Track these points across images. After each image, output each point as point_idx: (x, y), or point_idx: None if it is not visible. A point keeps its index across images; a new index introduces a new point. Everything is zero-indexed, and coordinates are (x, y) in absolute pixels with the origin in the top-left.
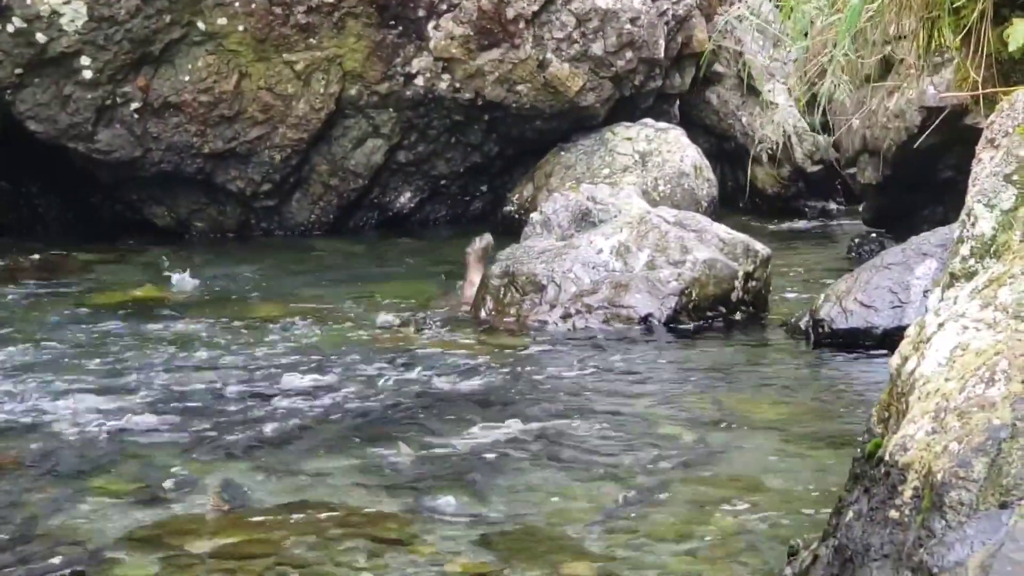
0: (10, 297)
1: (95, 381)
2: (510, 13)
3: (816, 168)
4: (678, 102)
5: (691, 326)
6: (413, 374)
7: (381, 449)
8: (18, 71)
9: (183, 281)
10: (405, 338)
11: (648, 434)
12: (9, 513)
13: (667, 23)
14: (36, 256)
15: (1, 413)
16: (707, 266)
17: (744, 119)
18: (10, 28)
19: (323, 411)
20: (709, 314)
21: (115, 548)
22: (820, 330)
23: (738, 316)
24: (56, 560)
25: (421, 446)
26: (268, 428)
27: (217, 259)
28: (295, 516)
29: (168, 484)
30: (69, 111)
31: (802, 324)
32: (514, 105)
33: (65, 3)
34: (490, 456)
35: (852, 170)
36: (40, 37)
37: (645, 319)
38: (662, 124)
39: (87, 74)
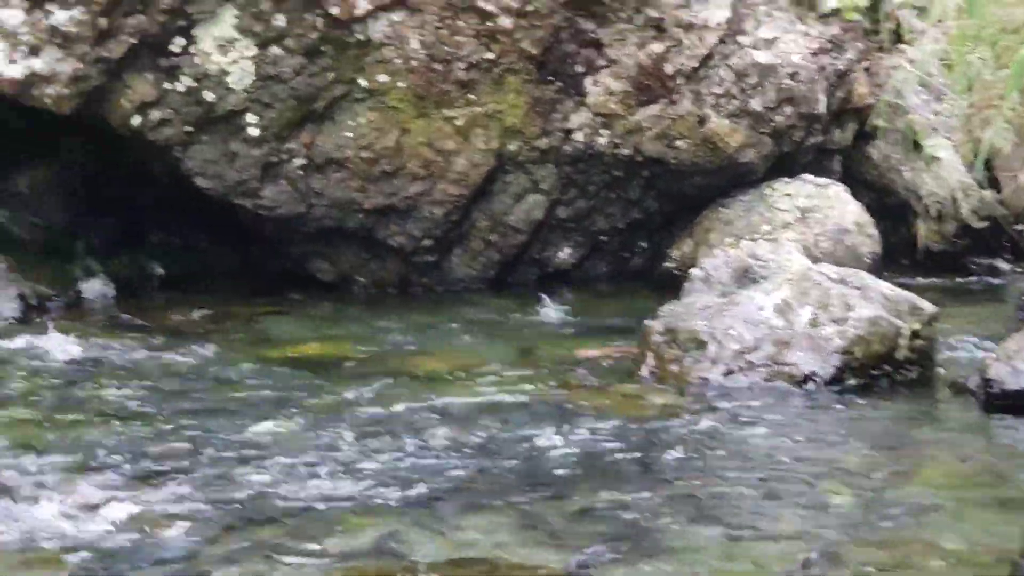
0: (181, 350)
1: (259, 433)
2: (669, 69)
3: (983, 224)
4: (839, 157)
5: (855, 385)
6: (573, 430)
7: (541, 506)
8: (187, 129)
9: None
10: (566, 394)
11: (813, 495)
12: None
13: (827, 78)
14: (205, 310)
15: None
16: (871, 324)
17: (907, 174)
18: (180, 87)
19: (482, 467)
20: (873, 373)
21: None
22: (990, 390)
23: (903, 375)
24: None
25: (583, 503)
26: (428, 484)
27: (380, 314)
28: (458, 572)
29: (334, 541)
30: (236, 168)
31: (971, 384)
32: (673, 161)
33: (233, 62)
34: (651, 514)
35: (1021, 227)
36: (208, 96)
37: (808, 377)
38: (823, 180)
39: (253, 132)
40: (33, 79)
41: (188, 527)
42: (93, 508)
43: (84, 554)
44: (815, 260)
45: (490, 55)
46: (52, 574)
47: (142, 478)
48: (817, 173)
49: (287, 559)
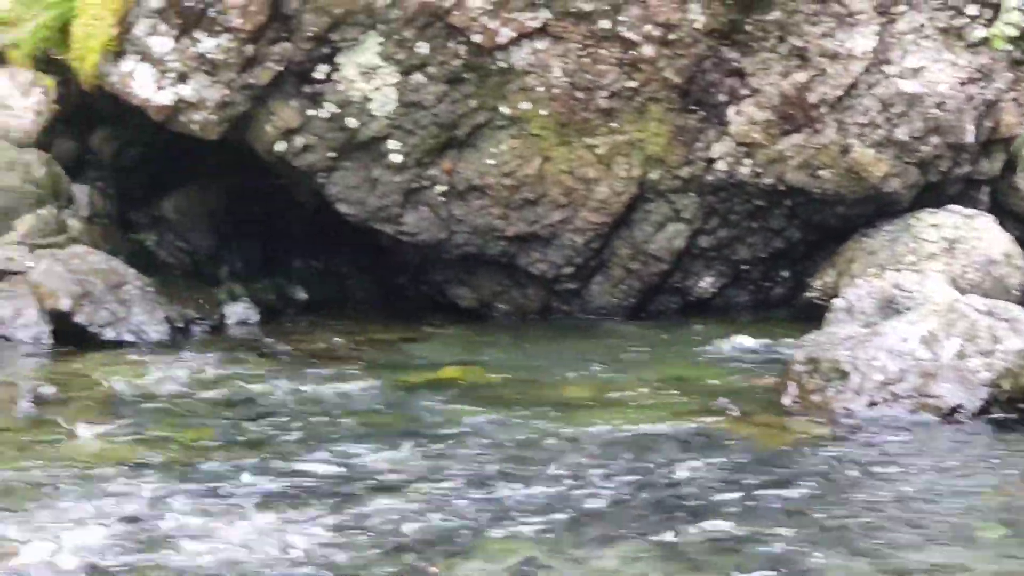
0: (322, 375)
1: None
2: (812, 98)
3: None
4: (987, 188)
5: (1002, 418)
6: (714, 459)
7: (682, 537)
8: (330, 155)
9: None
10: (707, 422)
11: (961, 529)
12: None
13: (975, 107)
14: (346, 335)
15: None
16: (1020, 356)
17: None
18: (323, 113)
19: (621, 495)
20: (1021, 406)
21: None
22: None
23: None
24: None
25: (724, 534)
26: (567, 511)
27: (520, 341)
28: None
29: (474, 566)
30: (378, 194)
31: None
32: (816, 190)
33: (376, 89)
34: (795, 547)
35: None
36: (351, 122)
37: (954, 410)
38: (970, 210)
39: (395, 158)
40: (181, 105)
41: (332, 553)
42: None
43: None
44: (962, 291)
45: (632, 83)
46: None
47: (286, 502)
48: (964, 204)
49: None
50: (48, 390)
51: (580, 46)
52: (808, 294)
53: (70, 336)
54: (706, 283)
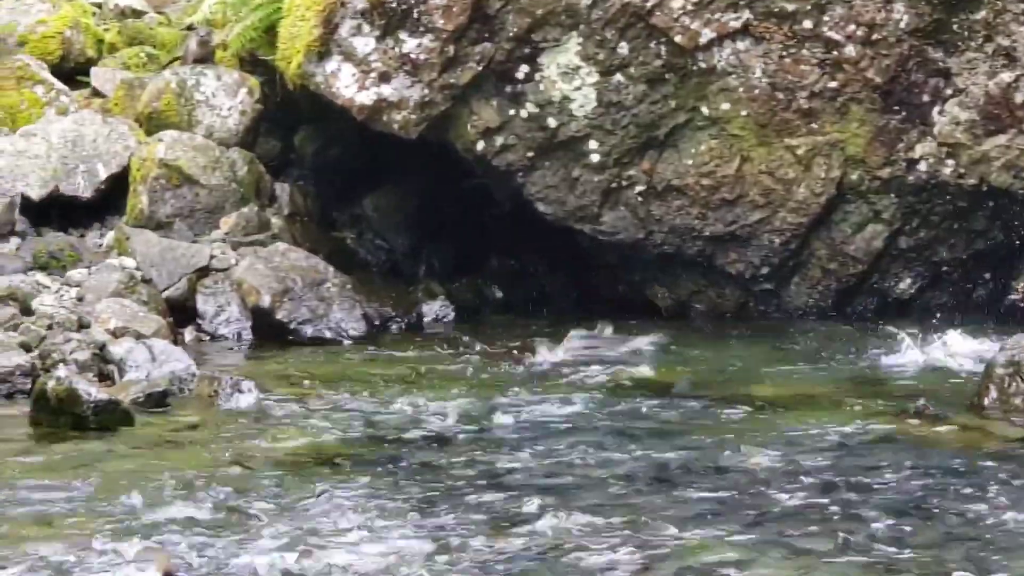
0: (503, 376)
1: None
2: (1019, 98)
3: None
4: None
5: None
6: (911, 460)
7: (880, 537)
8: (530, 154)
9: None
10: (903, 424)
11: None
12: None
13: None
14: (541, 333)
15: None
16: None
17: None
18: (523, 113)
19: (814, 496)
20: None
21: None
22: None
23: None
24: None
25: (924, 535)
26: (758, 511)
27: (715, 344)
28: None
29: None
30: (577, 193)
31: None
32: (1020, 192)
33: (576, 89)
34: (985, 552)
35: None
36: (551, 122)
37: None
38: None
39: (595, 158)
40: (382, 105)
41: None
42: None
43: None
44: None
45: (834, 84)
46: None
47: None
48: None
49: None
50: (250, 387)
51: (781, 46)
52: (1011, 296)
53: (270, 332)
54: (905, 284)
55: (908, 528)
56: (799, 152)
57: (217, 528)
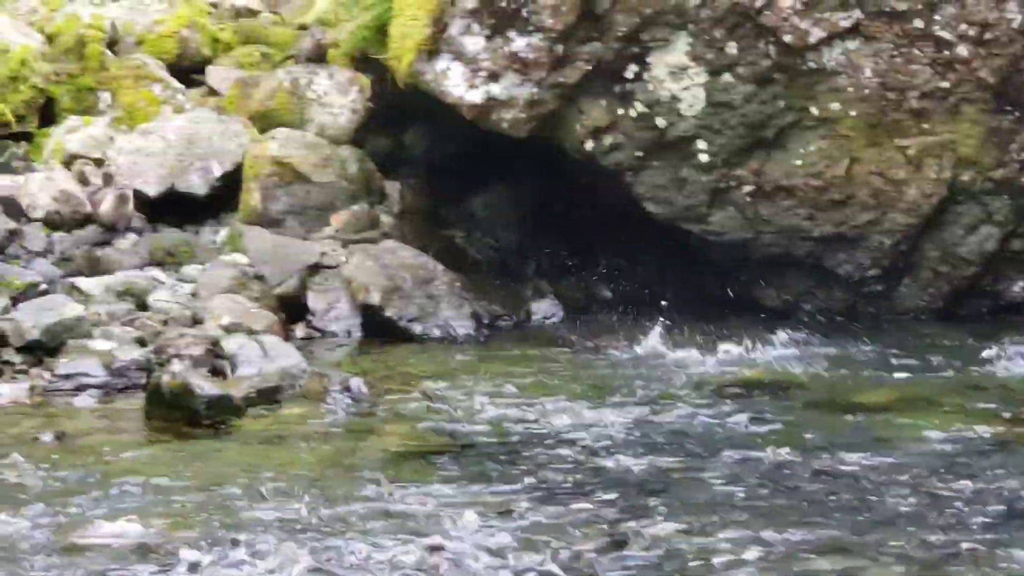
0: (609, 373)
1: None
2: None
3: None
4: None
5: None
6: (1019, 467)
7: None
8: (638, 154)
9: None
10: (1016, 430)
11: None
12: None
13: None
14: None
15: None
16: None
17: None
18: (632, 113)
19: (925, 506)
20: None
21: None
22: None
23: None
24: None
25: None
26: (871, 518)
27: (824, 345)
28: None
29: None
30: (685, 193)
31: None
32: None
33: (684, 89)
34: None
35: None
36: (660, 122)
37: None
38: None
39: (703, 157)
40: (492, 104)
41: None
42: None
43: None
44: None
45: (945, 84)
46: None
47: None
48: None
49: None
50: (359, 384)
51: (892, 46)
52: None
53: (379, 329)
54: (1019, 287)
55: (1021, 536)
56: (910, 153)
57: (326, 526)
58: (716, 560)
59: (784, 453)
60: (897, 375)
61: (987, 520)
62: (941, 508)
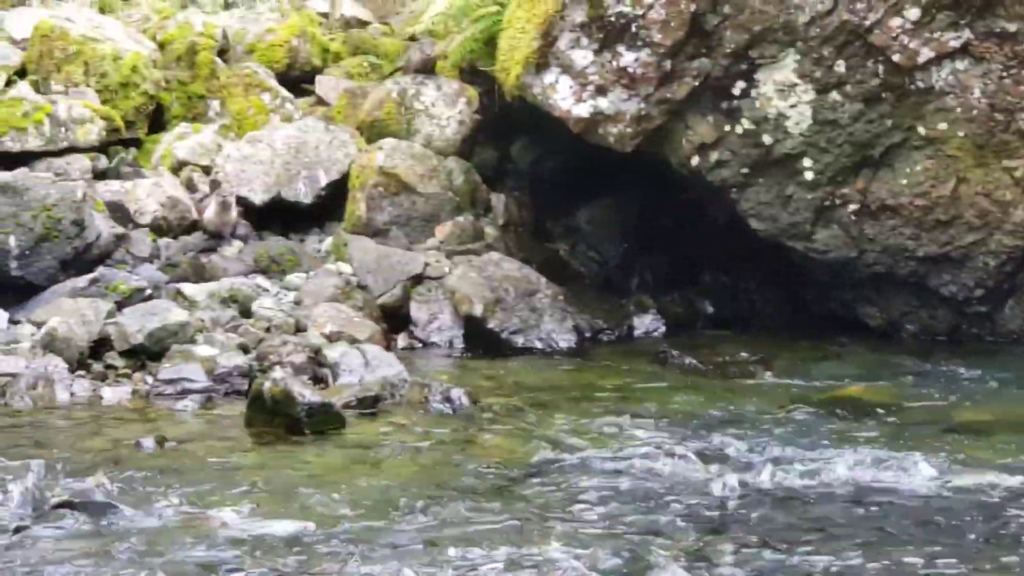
0: (726, 388)
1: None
2: None
3: None
4: None
5: None
6: None
7: None
8: (744, 171)
9: None
10: None
11: None
12: None
13: None
14: (752, 350)
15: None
16: None
17: None
18: (739, 129)
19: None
20: None
21: None
22: None
23: None
24: None
25: None
26: (973, 535)
27: (928, 364)
28: None
29: None
30: (789, 211)
31: None
32: None
33: (791, 107)
34: None
35: None
36: (766, 139)
37: None
38: None
39: (808, 175)
40: (599, 118)
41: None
42: None
43: None
44: None
45: None
46: None
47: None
48: None
49: None
50: (459, 394)
51: (1002, 67)
52: None
53: (481, 341)
54: None
55: None
56: (1017, 174)
57: (427, 538)
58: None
59: (863, 471)
60: (997, 396)
61: None
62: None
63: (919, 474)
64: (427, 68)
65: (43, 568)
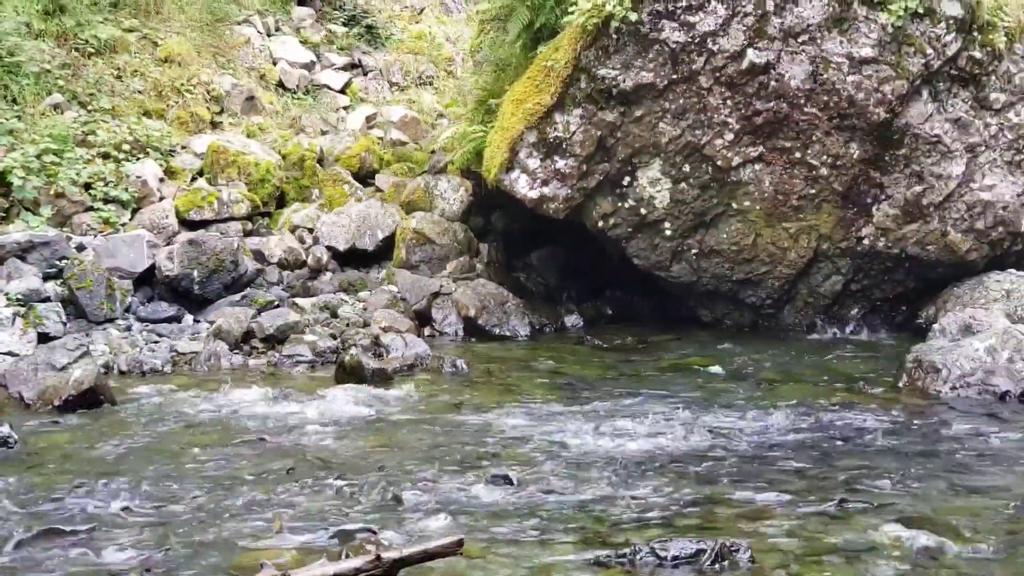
0: (627, 359)
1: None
2: (924, 202)
3: None
4: None
5: None
6: (850, 416)
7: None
8: (630, 229)
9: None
10: (848, 397)
11: (1007, 464)
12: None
13: None
14: (635, 336)
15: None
16: None
17: None
18: (626, 205)
19: (783, 441)
20: None
21: None
22: None
23: None
24: None
25: (859, 462)
26: (749, 448)
27: (738, 345)
28: None
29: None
30: (656, 253)
31: None
32: (925, 258)
33: (657, 192)
34: (907, 480)
35: None
36: (643, 211)
37: (1005, 394)
38: (1020, 273)
39: (668, 232)
40: (543, 199)
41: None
42: None
43: None
44: (1013, 323)
45: (813, 191)
46: None
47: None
48: (1018, 268)
49: None
50: (462, 362)
51: (782, 167)
52: (917, 321)
53: (474, 331)
54: (854, 312)
55: (848, 460)
56: (791, 231)
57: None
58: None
59: (704, 410)
60: (786, 364)
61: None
62: (796, 445)
63: (745, 415)
64: (442, 170)
65: None
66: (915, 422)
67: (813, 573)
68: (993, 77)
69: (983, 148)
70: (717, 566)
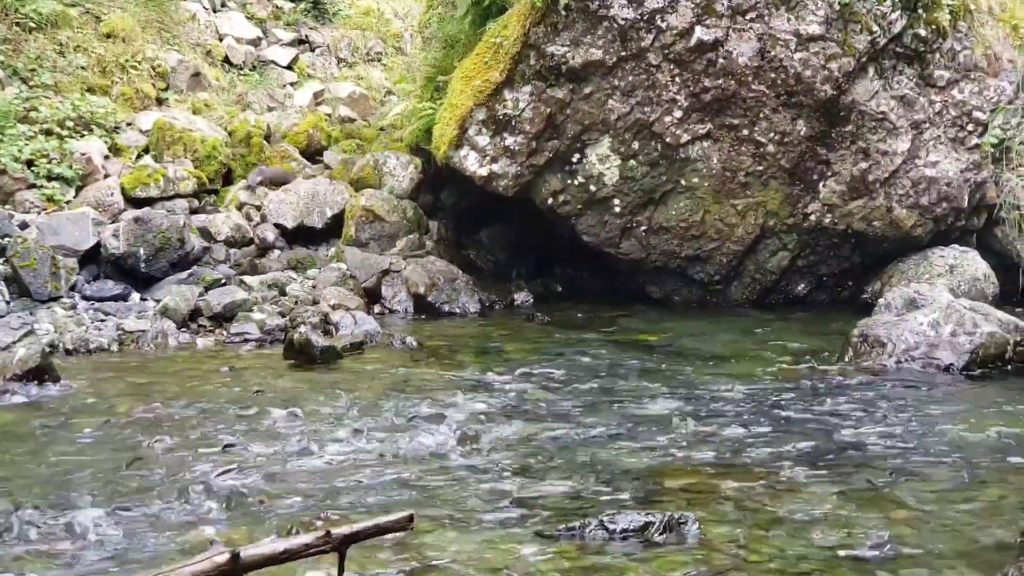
0: (570, 334)
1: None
2: (870, 178)
3: None
4: (975, 235)
5: (978, 372)
6: (798, 387)
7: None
8: (579, 207)
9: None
10: (795, 369)
11: (952, 431)
12: None
13: (970, 186)
14: (585, 312)
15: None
16: (990, 336)
17: (1019, 246)
18: (576, 182)
19: (736, 412)
20: (990, 366)
21: None
22: None
23: (1010, 367)
24: None
25: (791, 427)
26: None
27: (686, 320)
28: None
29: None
30: (606, 230)
31: None
32: (871, 234)
33: (607, 168)
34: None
35: None
36: (592, 188)
37: (948, 367)
38: (963, 248)
39: (617, 208)
40: (492, 176)
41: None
42: None
43: None
44: (956, 297)
45: (760, 168)
46: None
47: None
48: (961, 244)
49: None
50: (411, 339)
51: (729, 144)
52: (863, 296)
53: (423, 309)
54: (801, 287)
55: (785, 422)
56: (739, 208)
57: (384, 416)
58: None
59: (654, 380)
60: (730, 338)
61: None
62: (755, 419)
63: (693, 390)
64: (390, 147)
65: None
66: (857, 394)
67: (760, 544)
68: (938, 55)
69: (927, 125)
70: (665, 537)
